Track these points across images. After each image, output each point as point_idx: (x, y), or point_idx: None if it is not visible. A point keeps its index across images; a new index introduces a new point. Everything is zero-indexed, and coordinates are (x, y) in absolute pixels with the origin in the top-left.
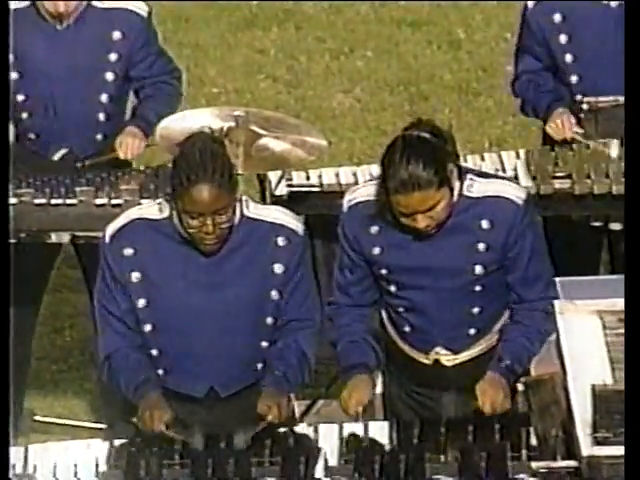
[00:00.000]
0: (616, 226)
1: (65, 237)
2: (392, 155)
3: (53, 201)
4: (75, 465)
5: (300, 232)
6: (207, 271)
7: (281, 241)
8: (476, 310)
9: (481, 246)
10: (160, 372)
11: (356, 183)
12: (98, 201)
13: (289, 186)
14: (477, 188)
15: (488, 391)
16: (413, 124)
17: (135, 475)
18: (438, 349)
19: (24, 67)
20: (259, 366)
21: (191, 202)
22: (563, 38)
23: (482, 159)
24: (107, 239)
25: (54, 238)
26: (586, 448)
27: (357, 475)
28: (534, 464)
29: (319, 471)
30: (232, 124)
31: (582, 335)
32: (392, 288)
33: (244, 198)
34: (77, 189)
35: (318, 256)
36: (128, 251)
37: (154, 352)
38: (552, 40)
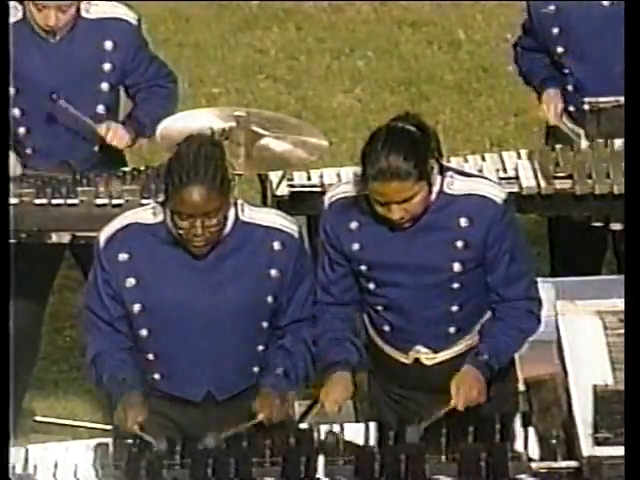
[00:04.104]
0: (617, 226)
1: (66, 237)
2: (374, 143)
3: (54, 201)
4: (75, 465)
5: (296, 235)
6: (202, 275)
7: (277, 245)
8: (455, 308)
9: (459, 243)
10: (157, 377)
11: None
12: (99, 201)
13: (290, 186)
14: (457, 185)
15: (462, 387)
16: (399, 117)
17: (135, 475)
18: (418, 347)
19: (19, 82)
20: (255, 370)
21: (181, 203)
22: (555, 30)
23: (483, 159)
24: (102, 244)
25: (55, 238)
26: (587, 448)
27: (357, 475)
28: (534, 464)
29: (319, 471)
30: (233, 124)
31: (583, 336)
32: (371, 285)
33: (239, 202)
34: (78, 189)
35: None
36: (123, 256)
37: (150, 357)
38: (546, 30)
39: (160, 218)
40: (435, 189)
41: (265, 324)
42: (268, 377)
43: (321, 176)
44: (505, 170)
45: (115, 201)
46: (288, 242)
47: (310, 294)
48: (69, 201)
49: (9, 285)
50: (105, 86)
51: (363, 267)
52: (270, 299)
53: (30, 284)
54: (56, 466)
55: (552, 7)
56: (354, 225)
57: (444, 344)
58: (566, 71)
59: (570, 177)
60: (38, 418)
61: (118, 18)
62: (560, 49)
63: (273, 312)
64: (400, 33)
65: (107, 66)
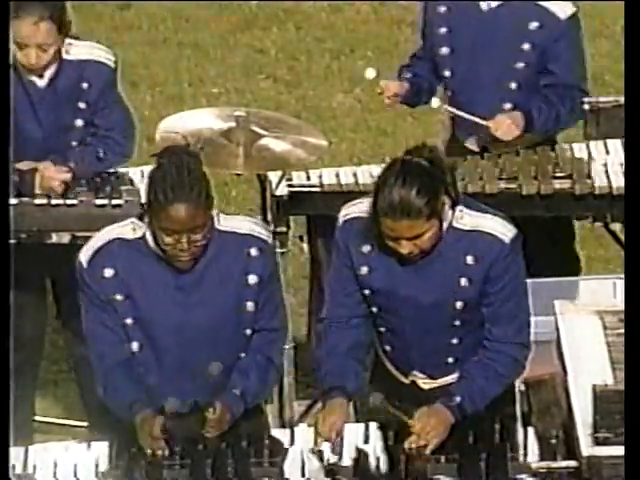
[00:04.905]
0: (617, 226)
1: (65, 237)
2: (388, 177)
3: (53, 201)
4: (75, 465)
5: (270, 241)
6: (186, 287)
7: (253, 252)
8: (455, 341)
9: (463, 281)
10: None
11: (356, 183)
12: (98, 201)
13: (289, 186)
14: (466, 220)
15: (426, 426)
16: (416, 147)
17: (135, 475)
18: (416, 372)
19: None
20: None
21: (167, 220)
22: (443, 30)
23: (482, 158)
24: (84, 263)
25: (55, 238)
26: (586, 448)
27: (357, 475)
28: (534, 464)
29: (319, 471)
30: (232, 124)
31: (582, 335)
32: (374, 309)
33: (215, 212)
34: (77, 189)
35: (320, 257)
36: (109, 272)
37: (140, 370)
38: (434, 31)
39: (139, 234)
40: (445, 224)
41: (249, 331)
42: (226, 394)
43: (320, 176)
44: (504, 170)
45: (115, 201)
46: (264, 248)
47: (279, 304)
48: (68, 201)
49: (9, 285)
50: (79, 122)
51: (367, 291)
52: (250, 305)
53: (30, 284)
54: (56, 466)
55: (443, 8)
56: (366, 248)
57: (442, 372)
58: (447, 74)
59: (570, 177)
60: (38, 418)
61: (96, 60)
62: (445, 50)
63: (254, 319)
64: (400, 33)
65: (82, 104)
